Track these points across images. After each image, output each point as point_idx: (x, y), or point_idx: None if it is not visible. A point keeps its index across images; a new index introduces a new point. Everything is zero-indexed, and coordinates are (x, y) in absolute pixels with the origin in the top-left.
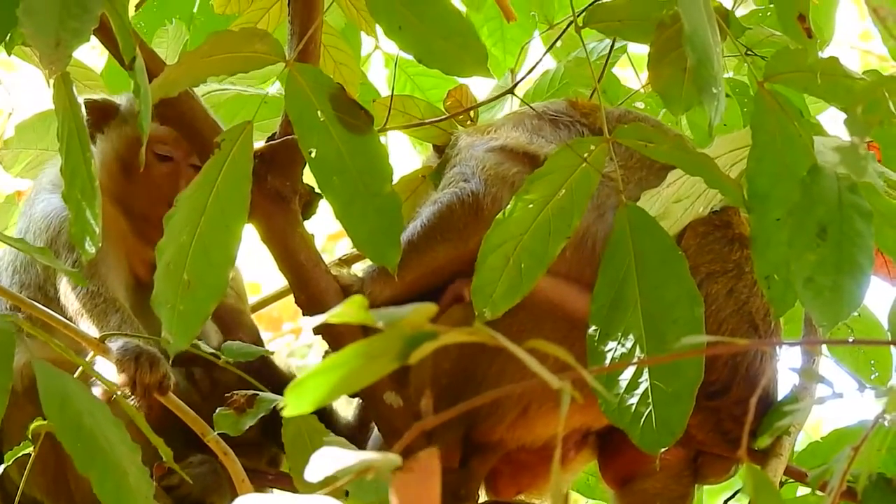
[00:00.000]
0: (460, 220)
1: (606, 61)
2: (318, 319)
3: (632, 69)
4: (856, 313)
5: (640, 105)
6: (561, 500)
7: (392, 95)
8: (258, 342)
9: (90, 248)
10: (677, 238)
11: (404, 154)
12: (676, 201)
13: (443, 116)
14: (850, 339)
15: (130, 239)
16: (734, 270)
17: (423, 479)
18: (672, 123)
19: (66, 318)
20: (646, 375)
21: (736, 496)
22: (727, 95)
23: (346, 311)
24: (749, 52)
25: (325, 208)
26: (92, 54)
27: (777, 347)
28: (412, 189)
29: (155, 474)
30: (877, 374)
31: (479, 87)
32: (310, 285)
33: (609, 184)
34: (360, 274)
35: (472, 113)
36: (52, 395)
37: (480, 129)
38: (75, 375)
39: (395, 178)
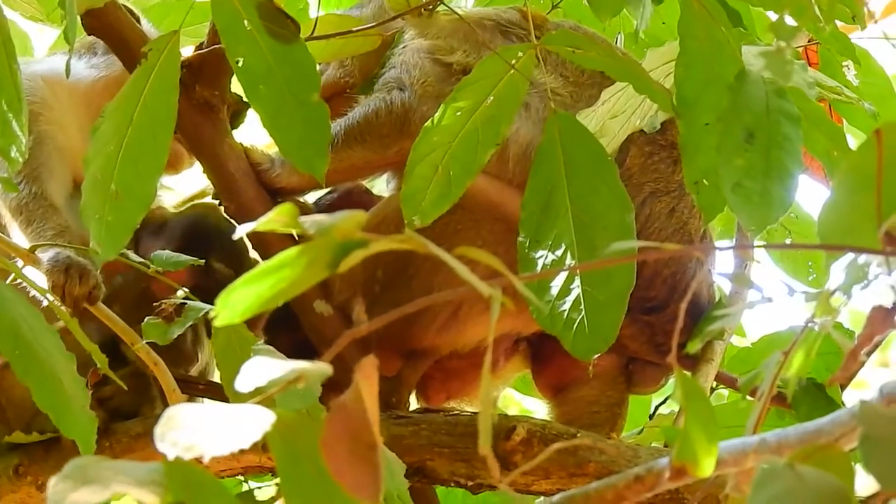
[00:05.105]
0: (384, 127)
1: None
2: (247, 227)
3: None
4: (793, 215)
5: None
6: (491, 406)
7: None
8: None
9: (17, 158)
10: (622, 156)
11: None
12: (612, 117)
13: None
14: (785, 243)
15: (79, 148)
16: (677, 191)
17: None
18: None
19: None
20: (577, 282)
21: (666, 402)
22: None
23: (275, 219)
24: None
25: (253, 118)
26: None
27: (712, 261)
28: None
29: (89, 382)
30: (814, 275)
31: None
32: (239, 194)
33: (556, 98)
34: (271, 154)
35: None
36: None
37: (430, 30)
38: (7, 282)
39: None
